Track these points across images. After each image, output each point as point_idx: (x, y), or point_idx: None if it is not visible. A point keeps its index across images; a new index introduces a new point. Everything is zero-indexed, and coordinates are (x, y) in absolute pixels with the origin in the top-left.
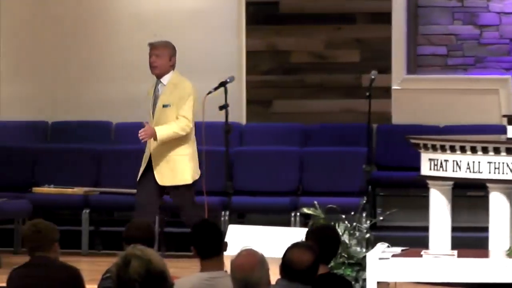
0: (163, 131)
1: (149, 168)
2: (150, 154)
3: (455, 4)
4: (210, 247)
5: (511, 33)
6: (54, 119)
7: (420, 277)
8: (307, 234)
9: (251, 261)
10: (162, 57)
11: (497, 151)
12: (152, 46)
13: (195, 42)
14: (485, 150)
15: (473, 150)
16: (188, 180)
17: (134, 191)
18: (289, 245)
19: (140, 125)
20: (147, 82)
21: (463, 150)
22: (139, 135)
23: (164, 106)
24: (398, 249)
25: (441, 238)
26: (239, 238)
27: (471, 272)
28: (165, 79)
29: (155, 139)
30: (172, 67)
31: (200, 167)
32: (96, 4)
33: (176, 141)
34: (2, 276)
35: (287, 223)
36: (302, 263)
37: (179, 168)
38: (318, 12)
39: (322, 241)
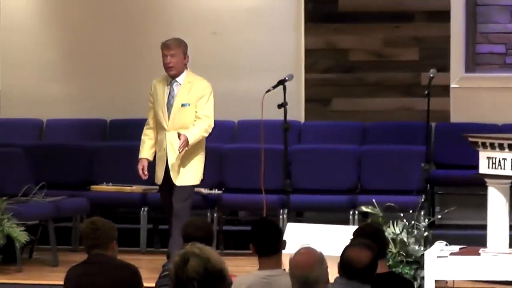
0: (195, 137)
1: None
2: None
3: None
4: (268, 245)
5: None
6: (113, 117)
7: (478, 275)
8: (353, 234)
9: (310, 259)
10: (177, 56)
11: None
12: (166, 46)
13: (253, 40)
14: None
15: None
16: (197, 181)
17: (201, 190)
18: (347, 243)
19: None
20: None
21: None
22: (179, 150)
23: (182, 105)
24: (456, 248)
25: (499, 236)
26: (298, 236)
27: None
28: (180, 78)
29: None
30: (186, 65)
31: (259, 165)
32: (156, 2)
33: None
34: (60, 274)
35: (345, 221)
36: (361, 261)
37: (192, 168)
38: (377, 11)
39: (367, 237)
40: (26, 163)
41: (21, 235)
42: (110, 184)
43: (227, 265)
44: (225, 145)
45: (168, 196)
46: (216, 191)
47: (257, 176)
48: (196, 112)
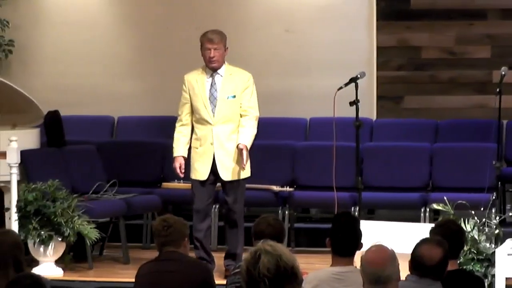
0: (250, 139)
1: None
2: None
3: None
4: (346, 247)
5: None
6: None
7: None
8: (432, 230)
9: (383, 256)
10: (220, 49)
11: None
12: (209, 40)
13: (326, 38)
14: None
15: None
16: (249, 173)
17: (264, 186)
18: (418, 240)
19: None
20: (277, 78)
21: None
22: (244, 166)
23: (229, 97)
24: None
25: None
26: (369, 234)
27: None
28: (221, 71)
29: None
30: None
31: (331, 162)
32: (228, 0)
33: (236, 132)
34: (131, 272)
35: (416, 219)
36: (432, 258)
37: (240, 162)
38: (449, 8)
39: (446, 235)
40: (97, 160)
41: (92, 233)
42: (182, 181)
43: (299, 262)
44: (297, 142)
45: (210, 192)
46: (288, 189)
47: (329, 174)
48: (241, 104)
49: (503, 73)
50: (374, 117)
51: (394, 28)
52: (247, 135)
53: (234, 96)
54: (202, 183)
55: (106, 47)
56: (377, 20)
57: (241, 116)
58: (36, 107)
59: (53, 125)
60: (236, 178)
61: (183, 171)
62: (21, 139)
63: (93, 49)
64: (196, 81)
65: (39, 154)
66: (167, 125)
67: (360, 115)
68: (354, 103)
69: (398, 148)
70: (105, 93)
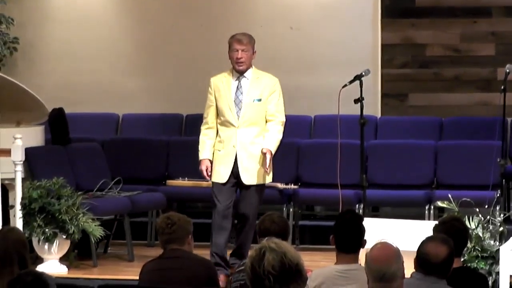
0: (275, 145)
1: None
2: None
3: None
4: (350, 244)
5: None
6: (189, 112)
7: None
8: (435, 227)
9: (388, 254)
10: (248, 52)
11: None
12: (238, 41)
13: (331, 35)
14: None
15: None
16: (270, 179)
17: (269, 183)
18: (423, 238)
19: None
20: (282, 76)
21: None
22: (267, 170)
23: (256, 100)
24: None
25: None
26: (373, 231)
27: None
28: (248, 74)
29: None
30: None
31: (335, 160)
32: None
33: (260, 135)
34: (135, 269)
35: (421, 217)
36: (438, 256)
37: (263, 166)
38: (454, 6)
39: (450, 233)
40: (102, 158)
41: (96, 230)
42: (186, 179)
43: (303, 259)
44: (302, 140)
45: (230, 194)
46: (292, 186)
47: (333, 171)
48: (267, 108)
49: (507, 70)
50: (378, 114)
51: (398, 25)
52: (272, 140)
53: (260, 100)
54: (222, 185)
55: (111, 44)
56: (381, 17)
57: (267, 121)
58: (40, 104)
59: (57, 123)
60: (256, 182)
61: (209, 173)
62: (26, 137)
63: (97, 47)
64: (222, 83)
65: (43, 152)
66: (172, 122)
67: (364, 112)
68: (359, 100)
69: (403, 146)
70: (110, 90)
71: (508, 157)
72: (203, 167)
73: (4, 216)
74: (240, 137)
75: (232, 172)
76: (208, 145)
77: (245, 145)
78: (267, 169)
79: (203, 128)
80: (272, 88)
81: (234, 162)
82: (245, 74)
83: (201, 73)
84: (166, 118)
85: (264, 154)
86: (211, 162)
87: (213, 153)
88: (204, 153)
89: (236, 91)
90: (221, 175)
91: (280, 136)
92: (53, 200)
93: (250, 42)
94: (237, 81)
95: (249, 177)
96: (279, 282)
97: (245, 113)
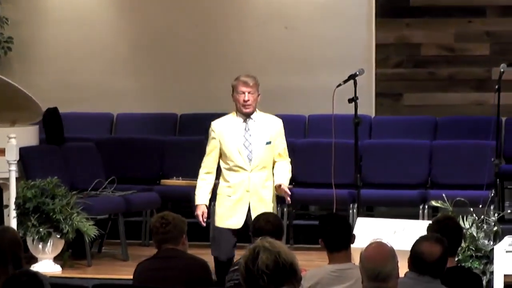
0: (287, 181)
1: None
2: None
3: None
4: (338, 240)
5: None
6: (183, 112)
7: None
8: (429, 227)
9: (382, 253)
10: (254, 94)
11: None
12: (245, 83)
13: (325, 35)
14: None
15: None
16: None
17: None
18: (417, 238)
19: None
20: (276, 75)
21: None
22: (288, 199)
23: (267, 143)
24: None
25: None
26: (368, 230)
27: None
28: (254, 116)
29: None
30: None
31: (329, 159)
32: None
33: (270, 179)
34: (130, 269)
35: (415, 216)
36: (432, 255)
37: (271, 207)
38: (448, 5)
39: (443, 232)
40: (96, 157)
41: (90, 230)
42: (181, 178)
43: (297, 259)
44: (296, 139)
45: (235, 241)
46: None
47: (328, 171)
48: (276, 150)
49: (502, 70)
50: (373, 114)
51: (393, 25)
52: (285, 177)
53: (270, 143)
54: (231, 231)
55: (105, 44)
56: (376, 17)
57: (274, 161)
58: (35, 104)
59: (52, 122)
60: None
61: (205, 219)
62: (20, 136)
63: (92, 46)
64: (228, 127)
65: (38, 151)
66: (166, 122)
67: (359, 112)
68: (353, 100)
69: (397, 145)
70: (104, 90)
71: (502, 156)
72: (199, 212)
73: None
74: (253, 181)
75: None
76: (206, 190)
77: (257, 189)
78: (288, 195)
79: (201, 172)
80: (280, 130)
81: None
82: (251, 116)
83: (195, 73)
84: (160, 118)
85: (279, 186)
86: (207, 207)
87: (220, 199)
88: (201, 198)
89: (245, 134)
90: (235, 220)
91: (290, 175)
92: (47, 200)
93: (256, 84)
94: (244, 124)
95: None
96: (273, 281)
97: (257, 157)
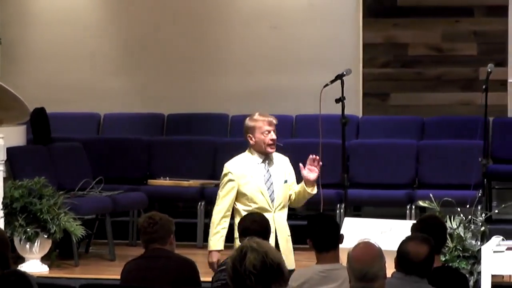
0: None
1: None
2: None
3: None
4: (326, 240)
5: None
6: (170, 112)
7: None
8: (413, 226)
9: (370, 253)
10: (275, 132)
11: None
12: (270, 123)
13: (312, 35)
14: None
15: None
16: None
17: None
18: (404, 238)
19: None
20: (263, 75)
21: None
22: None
23: (284, 182)
24: None
25: None
26: (355, 230)
27: None
28: (271, 155)
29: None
30: None
31: None
32: None
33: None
34: (117, 269)
35: (402, 216)
36: (419, 255)
37: (291, 249)
38: (436, 5)
39: (427, 231)
40: (84, 157)
41: (78, 230)
42: (168, 178)
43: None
44: (283, 139)
45: None
46: None
47: None
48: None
49: (489, 70)
50: (360, 114)
51: (380, 25)
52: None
53: (286, 181)
54: None
55: (93, 44)
56: (363, 17)
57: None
58: (22, 104)
59: (39, 122)
60: (289, 267)
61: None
62: (7, 136)
63: (79, 46)
64: (247, 168)
65: (25, 151)
66: (153, 122)
67: (346, 112)
68: (340, 100)
69: (384, 145)
70: (91, 90)
71: (490, 156)
72: (214, 259)
73: None
74: (277, 222)
75: None
76: (222, 236)
77: (281, 229)
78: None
79: (220, 217)
80: (290, 167)
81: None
82: (269, 155)
83: (183, 74)
84: (147, 118)
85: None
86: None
87: (238, 242)
88: (217, 244)
89: (265, 174)
90: None
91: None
92: (34, 200)
93: (276, 123)
94: (263, 164)
95: (288, 262)
96: (260, 281)
97: (278, 197)
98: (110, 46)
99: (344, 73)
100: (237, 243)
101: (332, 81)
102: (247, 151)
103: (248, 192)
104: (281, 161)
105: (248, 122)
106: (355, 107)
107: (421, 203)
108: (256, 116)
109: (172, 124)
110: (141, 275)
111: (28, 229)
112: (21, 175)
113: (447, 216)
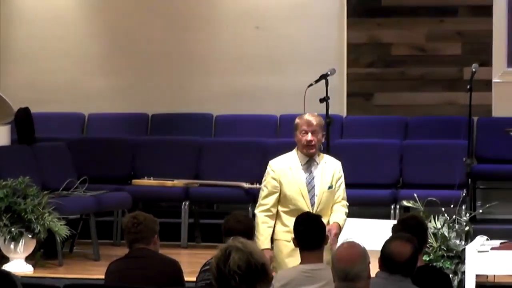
0: (342, 223)
1: None
2: None
3: None
4: (310, 240)
5: None
6: (155, 112)
7: None
8: (394, 227)
9: (352, 254)
10: (318, 134)
11: None
12: (308, 123)
13: (296, 35)
14: None
15: None
16: None
17: (234, 183)
18: (388, 237)
19: (240, 117)
20: (248, 75)
21: None
22: (332, 247)
23: (329, 188)
24: (497, 242)
25: None
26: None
27: None
28: (317, 158)
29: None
30: None
31: None
32: None
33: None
34: (101, 269)
35: (387, 216)
36: (402, 255)
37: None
38: (420, 5)
39: (408, 231)
40: (68, 157)
41: (62, 229)
42: (152, 178)
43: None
44: (267, 139)
45: None
46: (258, 185)
47: None
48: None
49: (473, 70)
50: (344, 114)
51: (364, 25)
52: (341, 218)
53: (331, 187)
54: None
55: (77, 44)
56: (347, 17)
57: (332, 205)
58: (6, 104)
59: (23, 122)
60: None
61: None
62: None
63: (63, 46)
64: (289, 168)
65: (9, 151)
66: (138, 122)
67: (330, 112)
68: (324, 100)
69: (368, 145)
70: (76, 90)
71: (474, 156)
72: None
73: None
74: None
75: None
76: (269, 234)
77: None
78: (334, 245)
79: (261, 214)
80: (340, 173)
81: None
82: (314, 158)
83: (167, 73)
84: (131, 118)
85: (332, 226)
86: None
87: (278, 245)
88: (265, 242)
89: (307, 177)
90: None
91: (346, 218)
92: (19, 200)
93: (320, 123)
94: (307, 165)
95: None
96: (245, 281)
97: (320, 201)
98: (94, 47)
99: (328, 73)
100: (276, 245)
101: (316, 81)
102: (294, 150)
103: (288, 193)
104: (330, 165)
105: (296, 119)
106: (339, 107)
107: (405, 203)
108: (302, 115)
109: (156, 124)
110: (125, 275)
111: (13, 229)
112: (5, 175)
113: (432, 216)
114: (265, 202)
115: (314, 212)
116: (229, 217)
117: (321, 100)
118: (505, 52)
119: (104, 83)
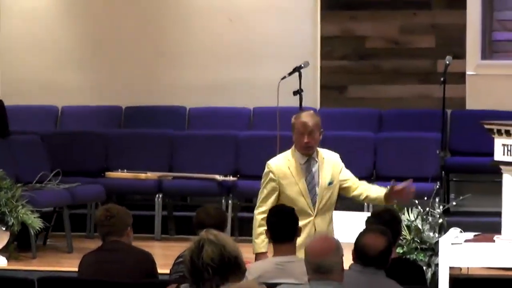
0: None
1: None
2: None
3: None
4: (283, 232)
5: None
6: (128, 104)
7: (492, 262)
8: (368, 219)
9: (325, 246)
10: (315, 133)
11: None
12: (304, 125)
13: (269, 28)
14: None
15: None
16: None
17: (208, 176)
18: (362, 229)
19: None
20: (221, 68)
21: None
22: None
23: (329, 184)
24: (470, 235)
25: None
26: None
27: None
28: (315, 155)
29: None
30: None
31: (274, 152)
32: None
33: (331, 222)
34: (74, 261)
35: (360, 208)
36: (376, 247)
37: None
38: None
39: (382, 224)
40: (41, 150)
41: (35, 222)
42: (125, 171)
43: (242, 252)
44: (241, 132)
45: None
46: (231, 178)
47: None
48: (346, 180)
49: (447, 62)
50: (318, 106)
51: (338, 17)
52: (377, 187)
53: (332, 183)
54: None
55: (50, 37)
56: (321, 9)
57: (352, 189)
58: None
59: None
60: None
61: None
62: None
63: (37, 40)
64: (288, 168)
65: None
66: (111, 115)
67: (304, 104)
68: (298, 92)
69: (342, 138)
70: (49, 83)
71: (448, 149)
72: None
73: None
74: (318, 226)
75: None
76: (265, 237)
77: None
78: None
79: (260, 217)
80: (340, 164)
81: None
82: (313, 156)
83: (140, 67)
84: (105, 111)
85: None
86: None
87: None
88: (261, 246)
89: (307, 176)
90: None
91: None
92: None
93: (317, 123)
94: (306, 164)
95: None
96: (218, 274)
97: (322, 199)
98: (67, 40)
99: (302, 65)
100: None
101: (289, 74)
102: (291, 148)
103: (288, 193)
104: (329, 160)
105: (292, 119)
106: (312, 100)
107: None
108: (299, 114)
109: (130, 117)
110: (98, 268)
111: None
112: None
113: (405, 208)
114: (264, 204)
115: (315, 211)
116: (199, 210)
117: (295, 93)
118: (479, 44)
119: (77, 76)
